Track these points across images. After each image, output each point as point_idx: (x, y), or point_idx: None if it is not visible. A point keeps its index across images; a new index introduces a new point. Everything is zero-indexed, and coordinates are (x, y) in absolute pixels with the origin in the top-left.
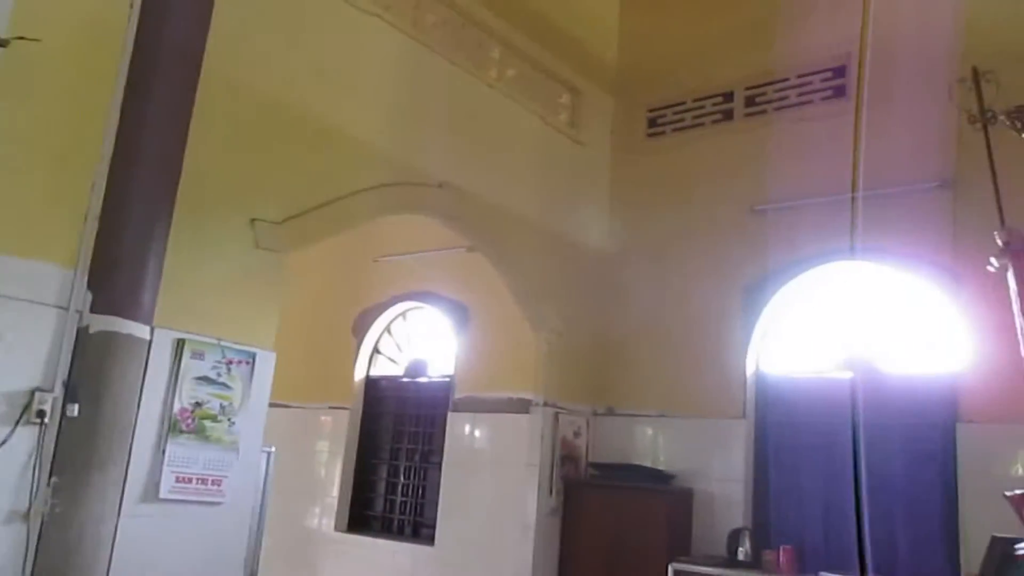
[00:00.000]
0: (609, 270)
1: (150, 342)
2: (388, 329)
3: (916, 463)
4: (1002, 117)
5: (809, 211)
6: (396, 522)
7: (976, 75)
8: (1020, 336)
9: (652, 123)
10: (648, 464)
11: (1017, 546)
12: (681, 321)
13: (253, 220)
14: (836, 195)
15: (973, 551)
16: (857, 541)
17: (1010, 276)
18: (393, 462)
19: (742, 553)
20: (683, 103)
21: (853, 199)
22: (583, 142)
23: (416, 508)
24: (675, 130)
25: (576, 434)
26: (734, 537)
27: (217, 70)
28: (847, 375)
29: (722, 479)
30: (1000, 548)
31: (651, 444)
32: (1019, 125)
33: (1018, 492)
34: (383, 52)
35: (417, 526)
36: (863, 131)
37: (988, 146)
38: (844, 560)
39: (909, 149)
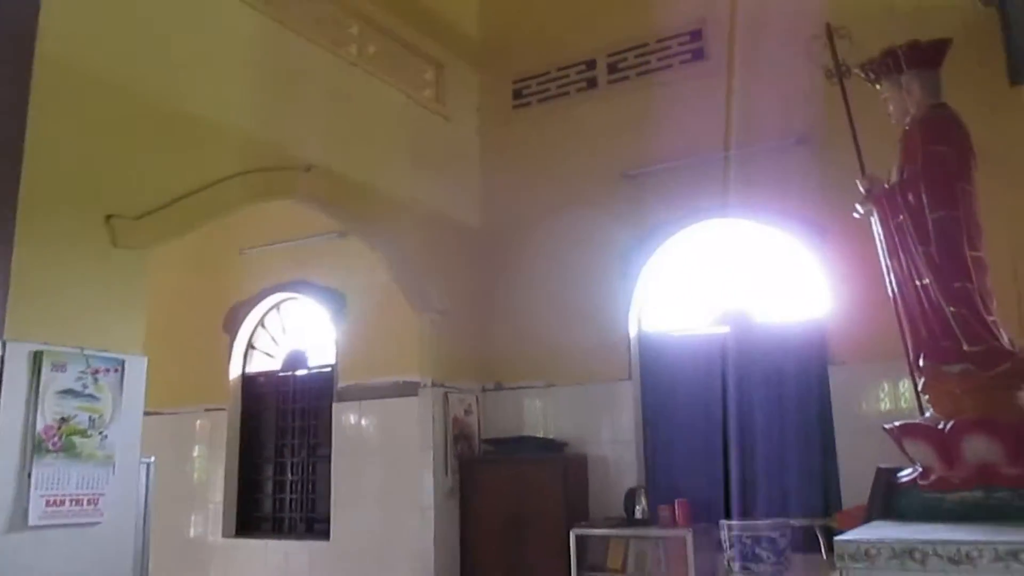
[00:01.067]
0: (488, 244)
1: (2, 358)
2: (262, 323)
3: (794, 407)
4: (856, 70)
5: (678, 173)
6: (287, 521)
7: (830, 31)
8: (885, 272)
9: (517, 95)
10: (540, 435)
11: (900, 474)
12: (562, 290)
13: (109, 217)
14: (704, 155)
15: (851, 483)
16: (736, 485)
17: (874, 221)
18: (279, 459)
19: (639, 511)
20: (547, 73)
21: (726, 158)
22: (450, 117)
23: (307, 504)
24: (540, 100)
25: (467, 412)
26: (630, 497)
27: (52, 51)
28: (723, 329)
29: (614, 442)
30: (885, 477)
31: (542, 415)
32: (872, 76)
33: (897, 424)
34: (236, 31)
35: (310, 522)
36: (728, 92)
37: (845, 99)
38: (735, 507)
39: (772, 107)
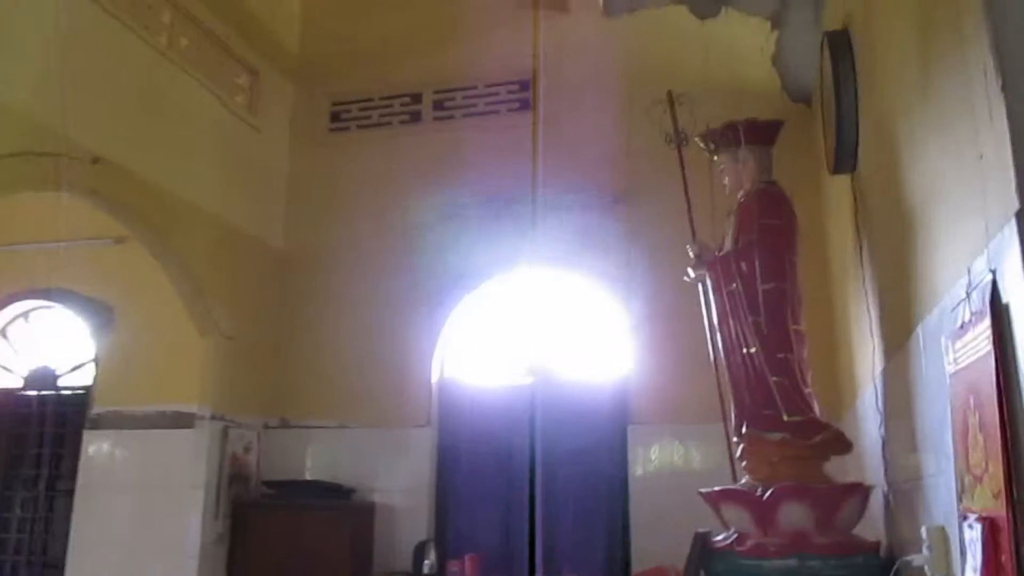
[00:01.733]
0: (289, 268)
1: None
2: (3, 333)
3: (593, 464)
4: (696, 139)
5: (494, 218)
6: (10, 565)
7: (671, 98)
8: (709, 337)
9: (336, 117)
10: (326, 479)
11: (716, 539)
12: (364, 326)
13: None
14: (520, 203)
15: (642, 541)
16: (530, 544)
17: (704, 287)
18: (6, 492)
19: (427, 566)
20: (370, 99)
21: (533, 204)
22: (261, 129)
23: (39, 546)
24: (360, 127)
25: (246, 449)
26: (419, 550)
27: None
28: (528, 381)
29: (406, 491)
30: (701, 542)
31: (330, 457)
32: (712, 147)
33: (716, 489)
34: None
35: (43, 566)
36: (540, 143)
37: (682, 165)
38: (527, 564)
39: (590, 164)
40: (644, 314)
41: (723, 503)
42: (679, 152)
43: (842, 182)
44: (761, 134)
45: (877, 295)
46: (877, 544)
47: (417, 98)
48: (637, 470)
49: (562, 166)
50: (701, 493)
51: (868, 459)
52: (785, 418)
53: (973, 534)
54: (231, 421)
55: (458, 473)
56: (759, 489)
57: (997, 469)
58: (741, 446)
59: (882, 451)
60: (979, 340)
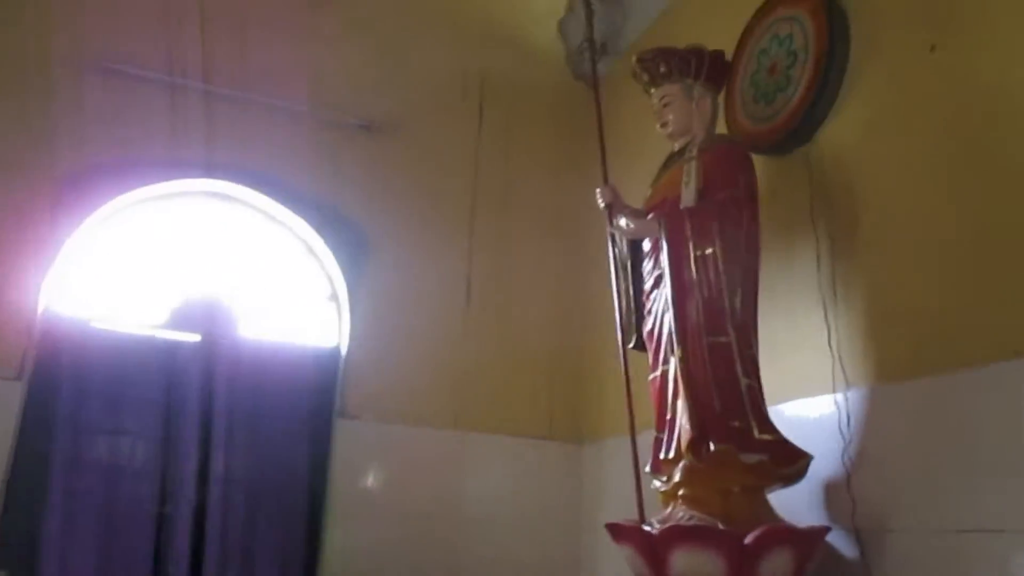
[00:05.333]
0: None
1: None
2: None
3: (279, 465)
4: (641, 58)
5: (149, 96)
6: None
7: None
8: (621, 316)
9: None
10: None
11: None
12: None
13: None
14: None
15: (337, 562)
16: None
17: (637, 243)
18: None
19: None
20: None
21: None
22: None
23: None
24: None
25: None
26: None
27: None
28: (192, 337)
29: None
30: None
31: None
32: (663, 71)
33: (666, 527)
34: None
35: None
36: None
37: (596, 83)
38: None
39: (337, 76)
40: (381, 275)
41: (677, 547)
42: (593, 65)
43: None
44: (720, 73)
45: (846, 309)
46: None
47: None
48: (342, 479)
49: (298, 72)
50: (615, 527)
51: (807, 493)
52: (757, 435)
53: None
54: None
55: (55, 456)
56: (719, 526)
57: None
58: (680, 467)
59: (847, 487)
60: None
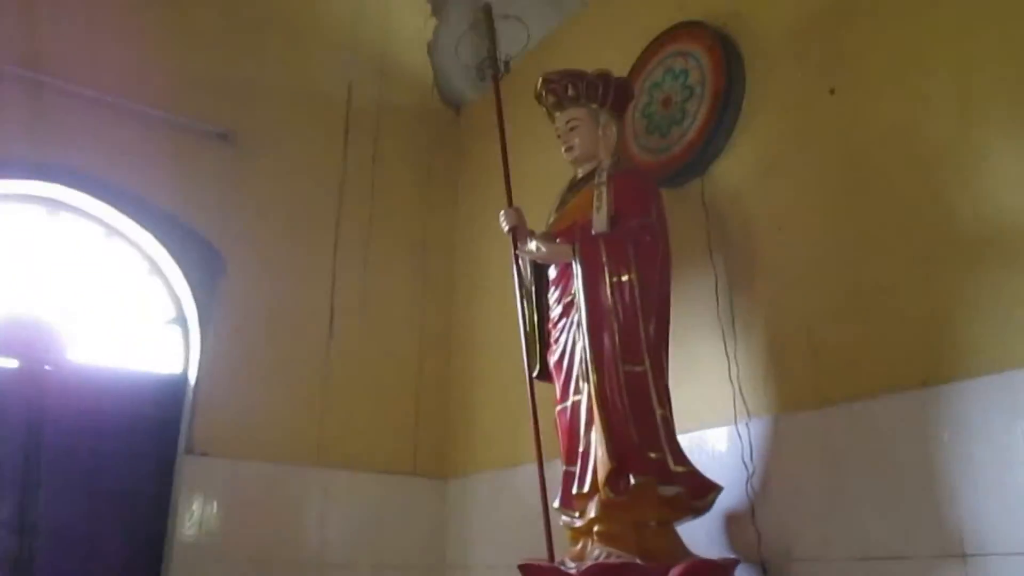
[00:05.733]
0: None
1: None
2: None
3: (114, 504)
4: (540, 82)
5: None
6: None
7: (489, 14)
8: (526, 343)
9: None
10: None
11: None
12: None
13: None
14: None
15: None
16: None
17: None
18: None
19: None
20: None
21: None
22: None
23: None
24: None
25: None
26: None
27: None
28: (9, 364)
29: None
30: None
31: None
32: (569, 94)
33: (591, 564)
34: None
35: None
36: None
37: (499, 100)
38: None
39: (196, 81)
40: (233, 299)
41: None
42: (496, 84)
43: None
44: (625, 100)
45: (745, 339)
46: None
47: None
48: (185, 524)
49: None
50: (528, 567)
51: (708, 525)
52: (672, 466)
53: None
54: None
55: None
56: (637, 562)
57: None
58: (595, 502)
59: (752, 518)
60: None
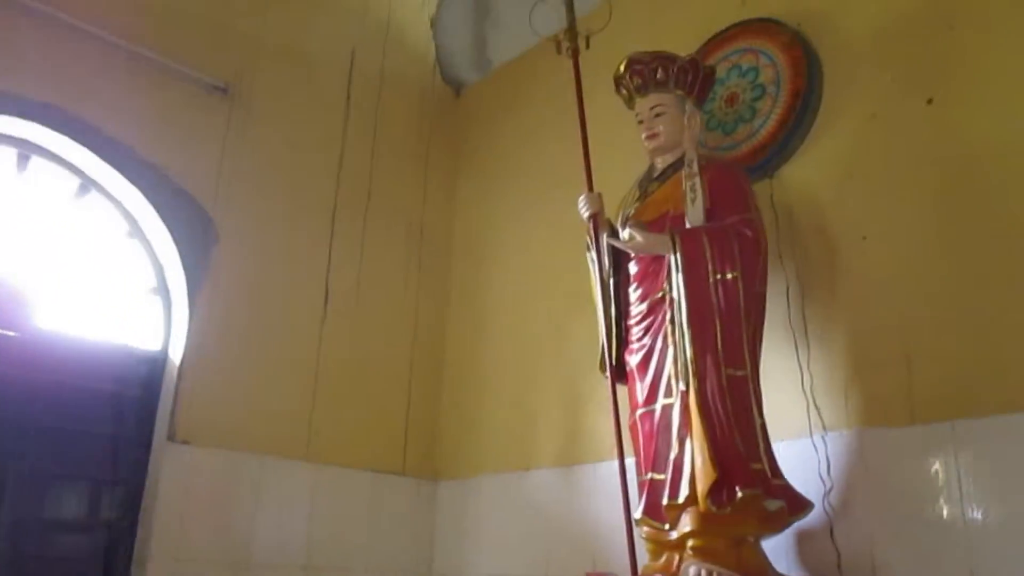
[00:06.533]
0: None
1: None
2: None
3: (75, 490)
4: (623, 64)
5: None
6: None
7: None
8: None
9: None
10: None
11: None
12: None
13: None
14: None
15: None
16: None
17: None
18: None
19: None
20: None
21: None
22: None
23: None
24: None
25: None
26: None
27: None
28: None
29: None
30: None
31: None
32: (660, 77)
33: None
34: None
35: None
36: None
37: (578, 79)
38: None
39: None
40: (224, 271)
41: None
42: (575, 61)
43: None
44: (707, 90)
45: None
46: None
47: None
48: (166, 523)
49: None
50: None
51: (783, 542)
52: (772, 480)
53: None
54: None
55: None
56: None
57: None
58: (690, 513)
59: (831, 535)
60: None
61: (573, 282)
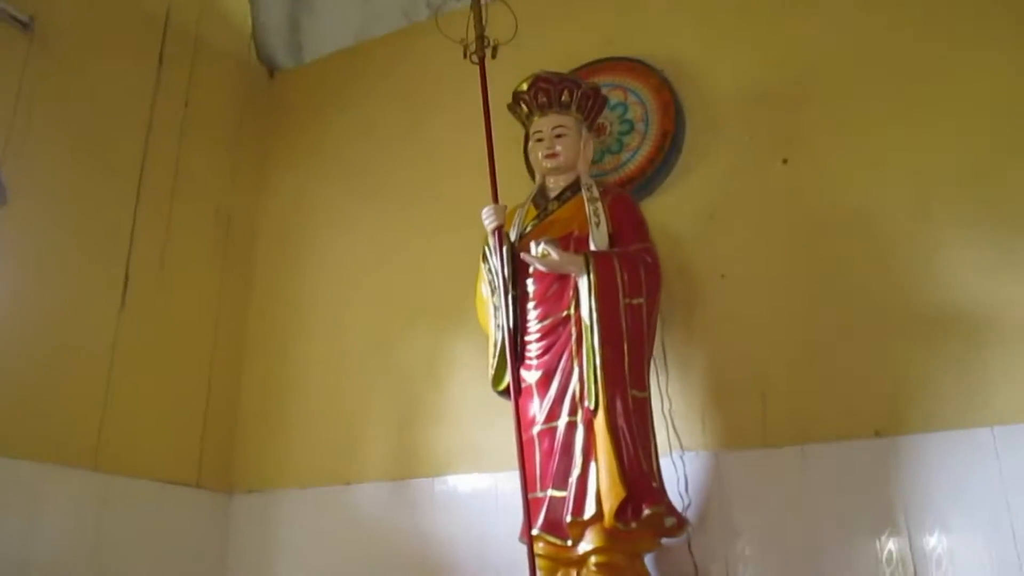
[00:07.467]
0: None
1: None
2: None
3: None
4: (524, 84)
5: None
6: None
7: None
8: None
9: None
10: None
11: None
12: None
13: None
14: None
15: None
16: None
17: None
18: None
19: None
20: None
21: None
22: None
23: None
24: None
25: None
26: None
27: None
28: None
29: None
30: None
31: None
32: (564, 99)
33: None
34: None
35: None
36: None
37: (484, 86)
38: None
39: None
40: (8, 240)
41: None
42: (482, 68)
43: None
44: (598, 116)
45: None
46: None
47: None
48: None
49: None
50: None
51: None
52: (666, 498)
53: None
54: None
55: None
56: None
57: None
58: (595, 530)
59: (688, 548)
60: None
61: (404, 293)
